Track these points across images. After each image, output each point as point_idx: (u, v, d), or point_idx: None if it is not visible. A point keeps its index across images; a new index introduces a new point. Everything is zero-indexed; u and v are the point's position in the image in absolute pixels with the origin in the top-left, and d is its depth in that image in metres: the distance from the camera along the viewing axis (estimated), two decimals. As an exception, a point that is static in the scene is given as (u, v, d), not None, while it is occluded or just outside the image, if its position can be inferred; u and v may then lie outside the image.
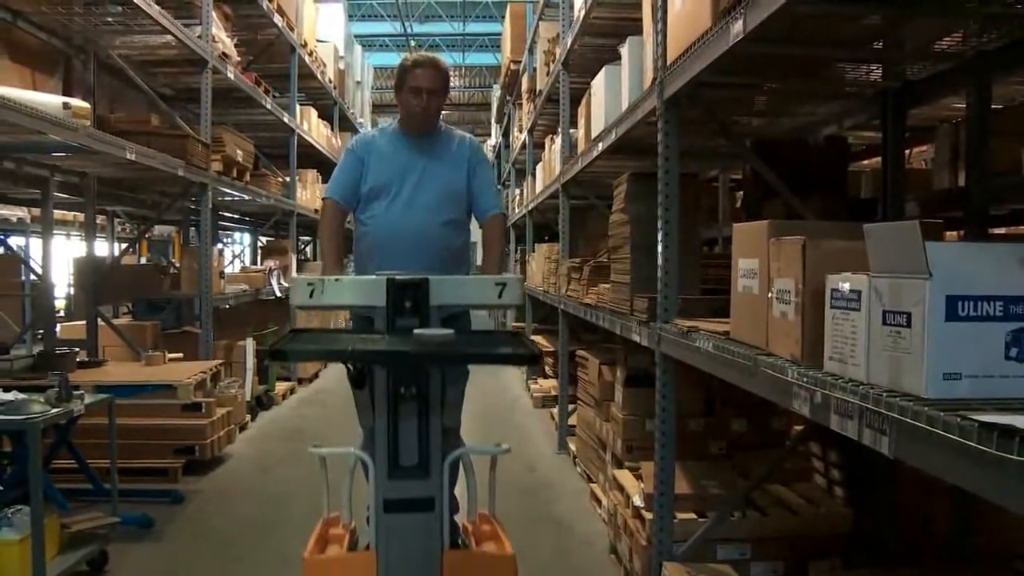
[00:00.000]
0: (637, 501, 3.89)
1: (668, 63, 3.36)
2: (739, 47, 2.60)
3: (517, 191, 12.43)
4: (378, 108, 21.12)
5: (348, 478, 2.87)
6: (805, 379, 1.99)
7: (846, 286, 1.87)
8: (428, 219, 3.73)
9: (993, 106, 3.57)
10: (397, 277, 2.77)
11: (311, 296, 2.77)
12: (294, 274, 9.64)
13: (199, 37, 6.72)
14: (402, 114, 3.84)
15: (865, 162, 5.93)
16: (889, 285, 1.71)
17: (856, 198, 4.30)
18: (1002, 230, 4.71)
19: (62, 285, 13.51)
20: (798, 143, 4.28)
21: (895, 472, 3.68)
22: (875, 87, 3.68)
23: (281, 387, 9.26)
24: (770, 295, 2.31)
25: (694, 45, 2.98)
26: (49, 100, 4.54)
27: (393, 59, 24.93)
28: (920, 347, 1.61)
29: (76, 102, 4.71)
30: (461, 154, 3.86)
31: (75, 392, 4.11)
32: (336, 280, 2.86)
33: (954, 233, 3.86)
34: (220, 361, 6.74)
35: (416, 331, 2.60)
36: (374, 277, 2.84)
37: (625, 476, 4.32)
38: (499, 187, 14.56)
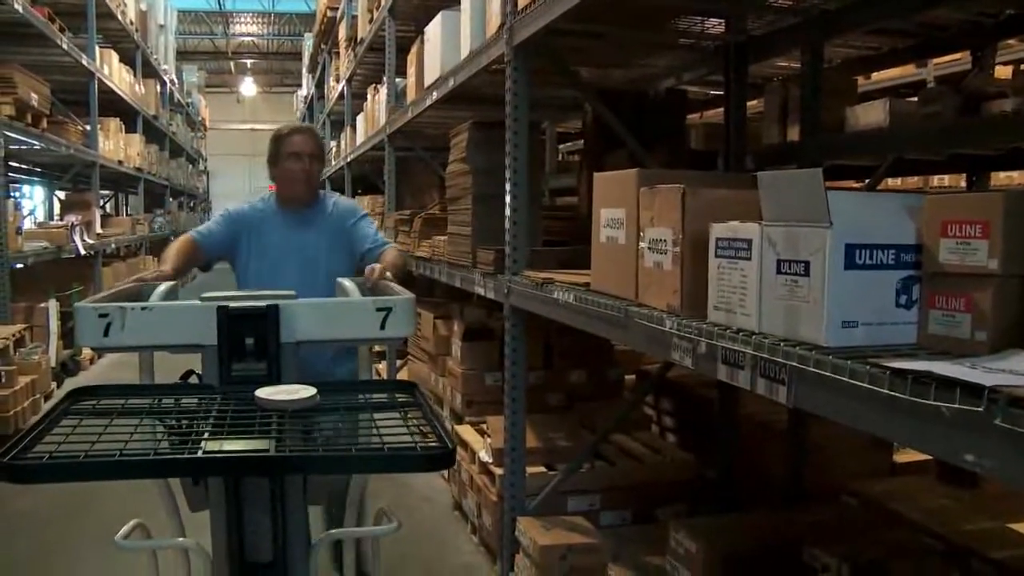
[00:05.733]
0: (484, 456, 3.84)
1: (519, 8, 3.25)
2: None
3: (333, 143, 12.09)
4: (182, 55, 19.92)
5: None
6: (688, 330, 1.97)
7: (734, 235, 1.84)
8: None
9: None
10: (232, 304, 1.94)
11: (106, 333, 1.90)
12: (98, 229, 8.97)
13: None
14: (280, 187, 3.42)
15: (693, 116, 6.05)
16: (784, 234, 1.69)
17: (695, 150, 4.36)
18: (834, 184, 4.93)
19: None
20: (638, 95, 4.29)
21: (734, 420, 3.80)
22: (718, 40, 3.72)
23: (89, 350, 8.58)
24: (641, 245, 2.27)
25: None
26: None
27: (197, 3, 23.55)
28: (820, 296, 1.60)
29: None
30: (341, 219, 3.43)
31: None
32: (143, 308, 1.97)
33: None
34: (22, 326, 6.18)
35: (259, 393, 1.77)
36: (199, 303, 2.01)
37: (468, 431, 4.26)
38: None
